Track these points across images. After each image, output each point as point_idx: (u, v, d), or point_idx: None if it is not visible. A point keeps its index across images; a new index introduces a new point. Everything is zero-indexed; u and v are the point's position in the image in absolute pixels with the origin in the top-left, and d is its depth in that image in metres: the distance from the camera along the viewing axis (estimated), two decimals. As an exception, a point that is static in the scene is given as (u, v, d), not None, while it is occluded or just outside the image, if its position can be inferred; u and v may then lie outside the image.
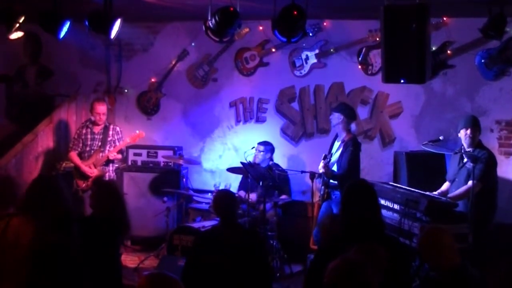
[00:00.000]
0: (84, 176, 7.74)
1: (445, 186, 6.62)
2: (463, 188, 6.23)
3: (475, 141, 6.41)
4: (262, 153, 7.81)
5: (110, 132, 7.90)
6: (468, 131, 6.39)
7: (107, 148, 7.87)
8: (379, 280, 3.62)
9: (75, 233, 4.26)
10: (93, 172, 7.71)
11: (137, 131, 8.00)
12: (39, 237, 3.89)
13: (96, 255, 4.40)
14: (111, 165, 7.96)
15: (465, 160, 6.32)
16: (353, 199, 4.47)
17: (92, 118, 7.89)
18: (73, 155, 7.86)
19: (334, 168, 7.04)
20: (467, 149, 6.38)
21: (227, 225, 4.94)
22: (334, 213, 6.50)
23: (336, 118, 7.14)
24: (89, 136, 7.85)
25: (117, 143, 7.97)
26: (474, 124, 6.44)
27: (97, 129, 7.85)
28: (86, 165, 7.78)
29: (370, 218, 4.40)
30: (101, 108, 7.86)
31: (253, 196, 7.65)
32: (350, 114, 7.17)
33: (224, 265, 4.68)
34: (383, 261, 3.72)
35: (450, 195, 6.29)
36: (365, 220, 4.33)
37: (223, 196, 5.10)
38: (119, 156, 8.04)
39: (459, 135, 6.51)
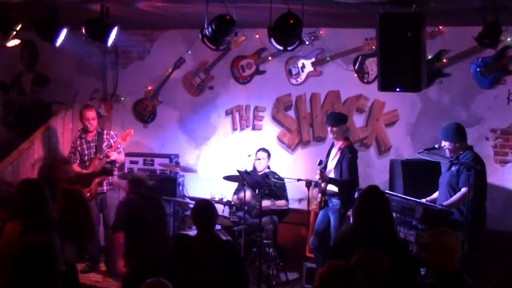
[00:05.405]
0: (87, 184, 7.63)
1: (436, 193, 6.59)
2: (457, 195, 6.16)
3: (457, 151, 6.30)
4: (264, 160, 7.89)
5: (105, 137, 7.84)
6: (447, 144, 6.33)
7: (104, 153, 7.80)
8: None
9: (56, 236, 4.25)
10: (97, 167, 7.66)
11: (126, 130, 7.98)
12: (22, 238, 3.91)
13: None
14: (115, 169, 7.87)
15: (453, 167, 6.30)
16: (368, 206, 4.44)
17: (86, 125, 7.79)
18: (74, 166, 7.80)
19: (331, 175, 7.05)
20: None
21: (203, 235, 4.88)
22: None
23: (339, 130, 7.11)
24: (84, 146, 7.79)
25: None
26: (449, 137, 6.33)
27: (90, 136, 7.79)
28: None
29: (384, 225, 4.38)
30: (90, 113, 7.79)
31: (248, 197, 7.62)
32: (346, 121, 7.22)
33: (198, 277, 4.62)
34: (385, 270, 3.71)
35: (445, 202, 6.25)
36: (379, 228, 4.31)
37: (201, 206, 5.00)
38: (121, 156, 7.94)
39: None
